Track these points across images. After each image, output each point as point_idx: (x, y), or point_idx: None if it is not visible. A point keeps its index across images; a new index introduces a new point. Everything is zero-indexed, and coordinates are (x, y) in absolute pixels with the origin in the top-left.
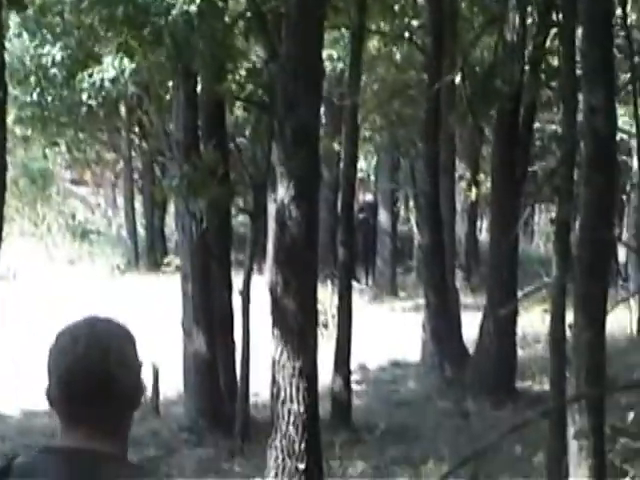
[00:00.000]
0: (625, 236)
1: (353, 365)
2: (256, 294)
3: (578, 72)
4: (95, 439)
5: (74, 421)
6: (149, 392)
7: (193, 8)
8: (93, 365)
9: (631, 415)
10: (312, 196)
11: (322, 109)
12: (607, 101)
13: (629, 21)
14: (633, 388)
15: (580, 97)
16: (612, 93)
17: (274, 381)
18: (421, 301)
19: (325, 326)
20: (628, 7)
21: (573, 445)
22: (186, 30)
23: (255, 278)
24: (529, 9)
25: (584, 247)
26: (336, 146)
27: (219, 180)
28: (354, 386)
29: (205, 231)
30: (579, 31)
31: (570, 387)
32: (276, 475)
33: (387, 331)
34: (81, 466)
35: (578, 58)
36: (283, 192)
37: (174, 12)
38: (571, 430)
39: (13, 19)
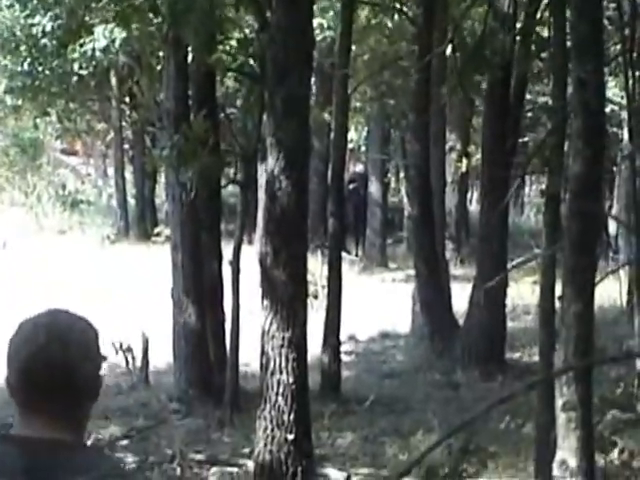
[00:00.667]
0: (615, 208)
1: (343, 336)
2: (246, 264)
3: (569, 43)
4: (54, 429)
5: (33, 411)
6: (139, 362)
7: None
8: (54, 355)
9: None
10: (302, 167)
11: (312, 79)
12: (596, 73)
13: None
14: (621, 360)
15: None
16: (601, 65)
17: (263, 352)
18: (411, 272)
19: (315, 297)
20: None
21: (561, 417)
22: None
23: (245, 248)
24: None
25: (573, 219)
26: (326, 116)
27: (209, 150)
28: (344, 357)
29: (195, 201)
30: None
31: (559, 359)
32: (265, 445)
33: (377, 302)
34: (40, 455)
35: (569, 29)
36: (273, 163)
37: None
38: (559, 402)
39: None
